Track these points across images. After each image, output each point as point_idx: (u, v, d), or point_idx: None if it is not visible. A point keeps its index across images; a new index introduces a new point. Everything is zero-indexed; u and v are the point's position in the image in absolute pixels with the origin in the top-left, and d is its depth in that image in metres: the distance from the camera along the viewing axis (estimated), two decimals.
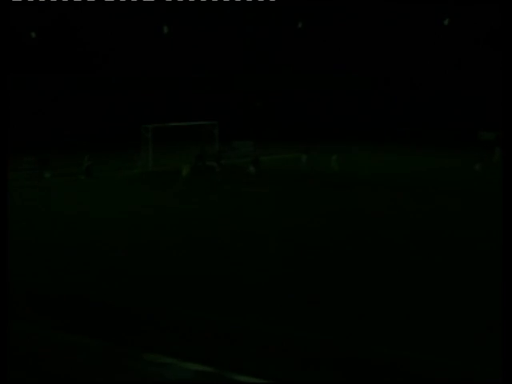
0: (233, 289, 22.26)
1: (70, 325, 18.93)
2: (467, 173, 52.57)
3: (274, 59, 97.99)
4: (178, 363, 16.31)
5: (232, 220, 34.73)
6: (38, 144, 66.77)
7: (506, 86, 15.20)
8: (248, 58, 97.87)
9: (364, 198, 41.22)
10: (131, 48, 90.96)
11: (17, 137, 56.24)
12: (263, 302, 20.81)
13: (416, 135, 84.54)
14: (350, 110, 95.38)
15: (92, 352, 17.13)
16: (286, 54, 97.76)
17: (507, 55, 16.02)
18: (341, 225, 33.62)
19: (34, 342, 17.43)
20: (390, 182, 48.52)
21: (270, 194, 43.56)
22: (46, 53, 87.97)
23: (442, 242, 29.14)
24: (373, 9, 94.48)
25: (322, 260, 26.11)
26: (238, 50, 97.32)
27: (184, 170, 46.24)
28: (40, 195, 42.77)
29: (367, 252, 27.42)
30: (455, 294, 21.53)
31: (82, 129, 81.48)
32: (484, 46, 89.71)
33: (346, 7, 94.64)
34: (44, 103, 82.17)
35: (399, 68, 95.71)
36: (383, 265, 25.28)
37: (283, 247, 28.37)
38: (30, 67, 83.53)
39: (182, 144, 61.12)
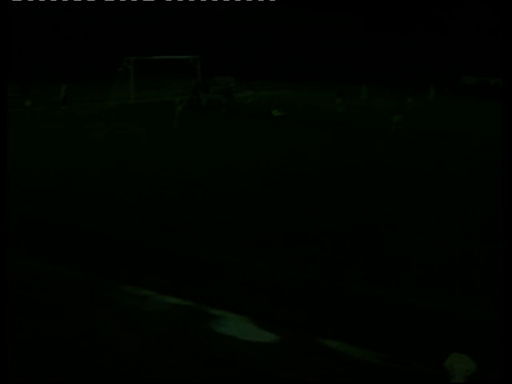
0: (212, 224, 22.39)
1: (47, 254, 19.02)
2: None
3: None
4: (156, 296, 16.49)
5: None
6: (19, 72, 65.86)
7: (506, 83, 15.06)
8: None
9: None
10: None
11: None
12: (241, 237, 20.98)
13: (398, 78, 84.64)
14: (331, 49, 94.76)
15: (70, 282, 17.23)
16: None
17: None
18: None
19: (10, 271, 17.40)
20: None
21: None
22: None
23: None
24: None
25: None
26: None
27: (178, 106, 45.60)
28: (21, 122, 42.69)
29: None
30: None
31: (63, 59, 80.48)
32: None
33: None
34: (25, 32, 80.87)
35: (385, 10, 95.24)
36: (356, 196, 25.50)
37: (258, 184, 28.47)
38: None
39: (164, 77, 60.59)
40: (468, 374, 11.25)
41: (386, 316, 15.56)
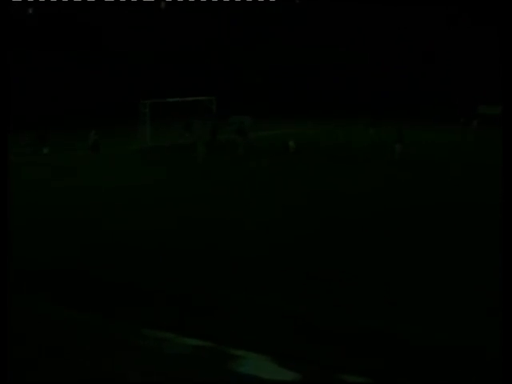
0: (229, 263, 22.21)
1: (66, 300, 18.87)
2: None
3: (271, 34, 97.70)
4: (177, 338, 16.29)
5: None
6: (35, 119, 66.46)
7: (506, 87, 14.87)
8: (247, 33, 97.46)
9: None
10: (129, 23, 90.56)
11: (15, 112, 56.30)
12: (260, 275, 20.79)
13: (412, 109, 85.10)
14: (348, 85, 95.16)
15: (90, 327, 17.08)
16: (284, 28, 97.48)
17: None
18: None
19: (30, 317, 17.35)
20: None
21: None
22: (43, 28, 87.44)
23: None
24: None
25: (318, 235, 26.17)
26: (236, 25, 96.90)
27: (199, 147, 46.18)
28: (38, 170, 42.73)
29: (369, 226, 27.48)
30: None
31: (78, 104, 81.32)
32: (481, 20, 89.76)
33: None
34: (41, 79, 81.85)
35: (397, 43, 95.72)
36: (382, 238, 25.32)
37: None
38: (29, 43, 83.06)
39: (180, 119, 60.79)
40: None
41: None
